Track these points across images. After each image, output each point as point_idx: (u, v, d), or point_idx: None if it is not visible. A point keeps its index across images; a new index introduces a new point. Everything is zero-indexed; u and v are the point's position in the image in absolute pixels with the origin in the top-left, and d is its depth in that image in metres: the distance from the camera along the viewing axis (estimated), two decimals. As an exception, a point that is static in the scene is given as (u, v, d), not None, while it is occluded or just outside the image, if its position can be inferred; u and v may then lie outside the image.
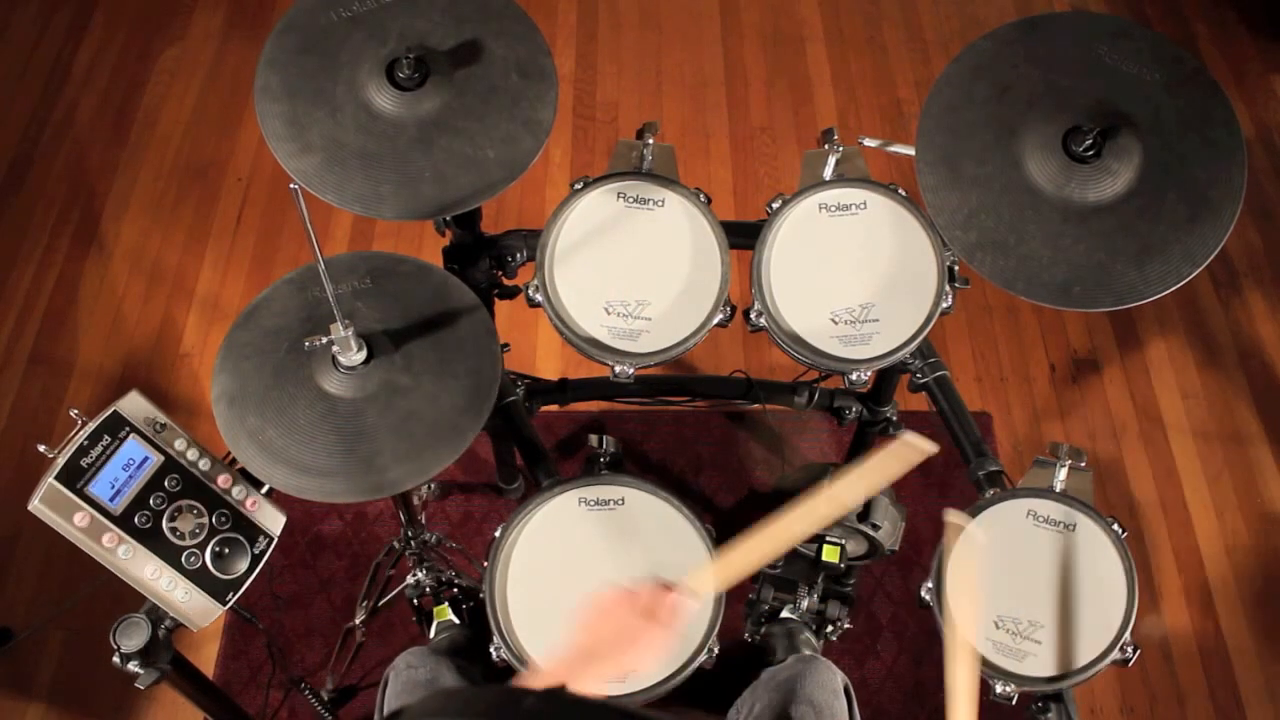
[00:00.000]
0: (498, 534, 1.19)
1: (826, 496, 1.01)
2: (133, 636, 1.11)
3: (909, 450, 0.98)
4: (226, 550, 1.11)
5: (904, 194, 1.30)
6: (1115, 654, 1.11)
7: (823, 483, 1.02)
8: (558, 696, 0.63)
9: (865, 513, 1.48)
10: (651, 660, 0.95)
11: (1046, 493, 1.20)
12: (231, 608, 1.12)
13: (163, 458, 1.10)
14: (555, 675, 0.92)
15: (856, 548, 1.58)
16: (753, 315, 1.26)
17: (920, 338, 1.24)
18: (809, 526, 1.01)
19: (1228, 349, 2.33)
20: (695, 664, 1.12)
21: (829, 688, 1.27)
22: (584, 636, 0.95)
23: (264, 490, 1.16)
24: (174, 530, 1.09)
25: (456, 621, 1.70)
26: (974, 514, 1.20)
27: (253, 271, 2.39)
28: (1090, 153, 1.17)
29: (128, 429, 1.09)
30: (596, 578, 1.17)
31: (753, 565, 1.01)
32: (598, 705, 0.65)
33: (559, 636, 1.12)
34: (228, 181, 2.53)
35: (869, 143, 1.39)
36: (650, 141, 1.31)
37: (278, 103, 1.21)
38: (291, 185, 0.99)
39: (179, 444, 1.12)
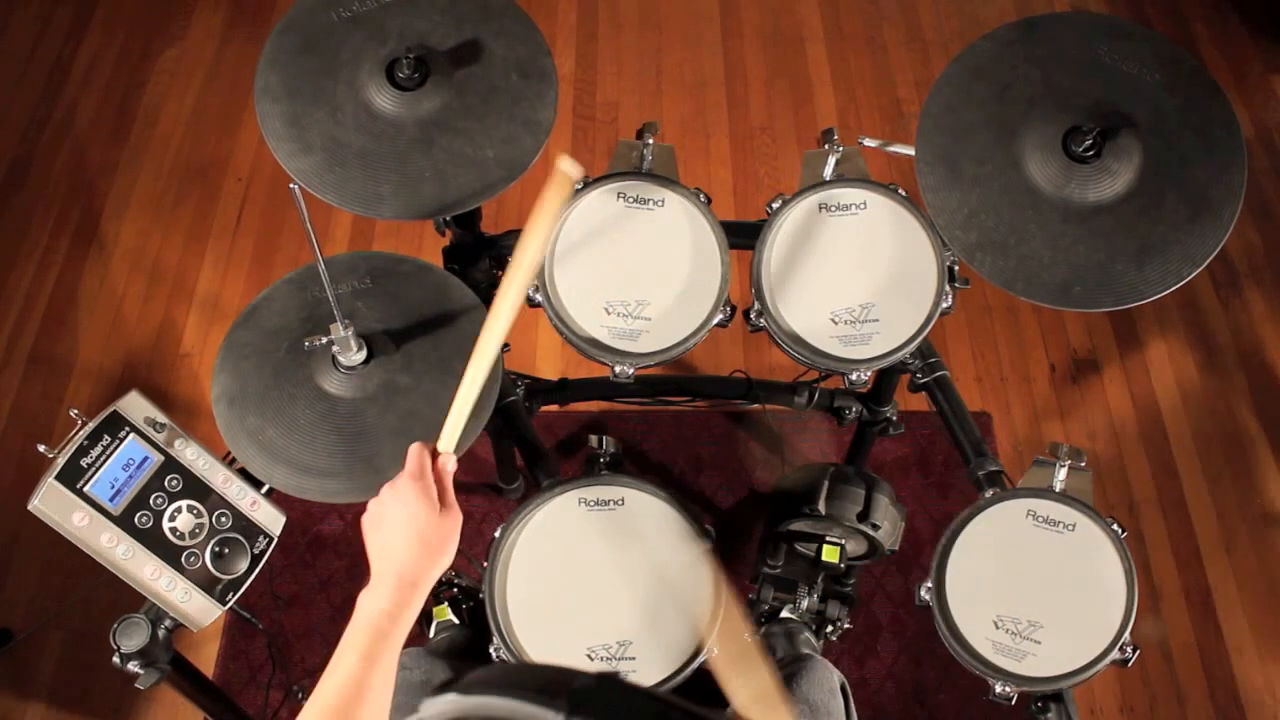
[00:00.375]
0: (498, 534, 1.19)
1: (515, 262, 1.01)
2: (133, 636, 1.11)
3: (563, 178, 0.97)
4: (226, 550, 1.11)
5: (904, 194, 1.30)
6: (1115, 654, 1.11)
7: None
8: (610, 680, 0.63)
9: (865, 513, 1.48)
10: (454, 544, 0.96)
11: (1046, 493, 1.20)
12: (231, 608, 1.12)
13: (163, 458, 1.10)
14: (395, 589, 0.91)
15: (856, 548, 1.58)
16: (753, 315, 1.26)
17: (920, 338, 1.24)
18: (508, 302, 1.03)
19: (1228, 349, 2.33)
20: (695, 664, 1.12)
21: (826, 687, 1.27)
22: (383, 563, 0.94)
23: (264, 490, 1.16)
24: (174, 530, 1.09)
25: (456, 622, 1.69)
26: (974, 514, 1.20)
27: (253, 271, 2.39)
28: (1090, 153, 1.17)
29: (127, 429, 1.09)
30: (596, 578, 1.17)
31: (471, 392, 1.00)
32: (649, 693, 0.65)
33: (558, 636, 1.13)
34: (228, 181, 2.53)
35: (869, 143, 1.39)
36: (650, 141, 1.31)
37: (278, 103, 1.21)
38: (291, 185, 0.99)
39: (179, 444, 1.12)
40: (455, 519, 0.97)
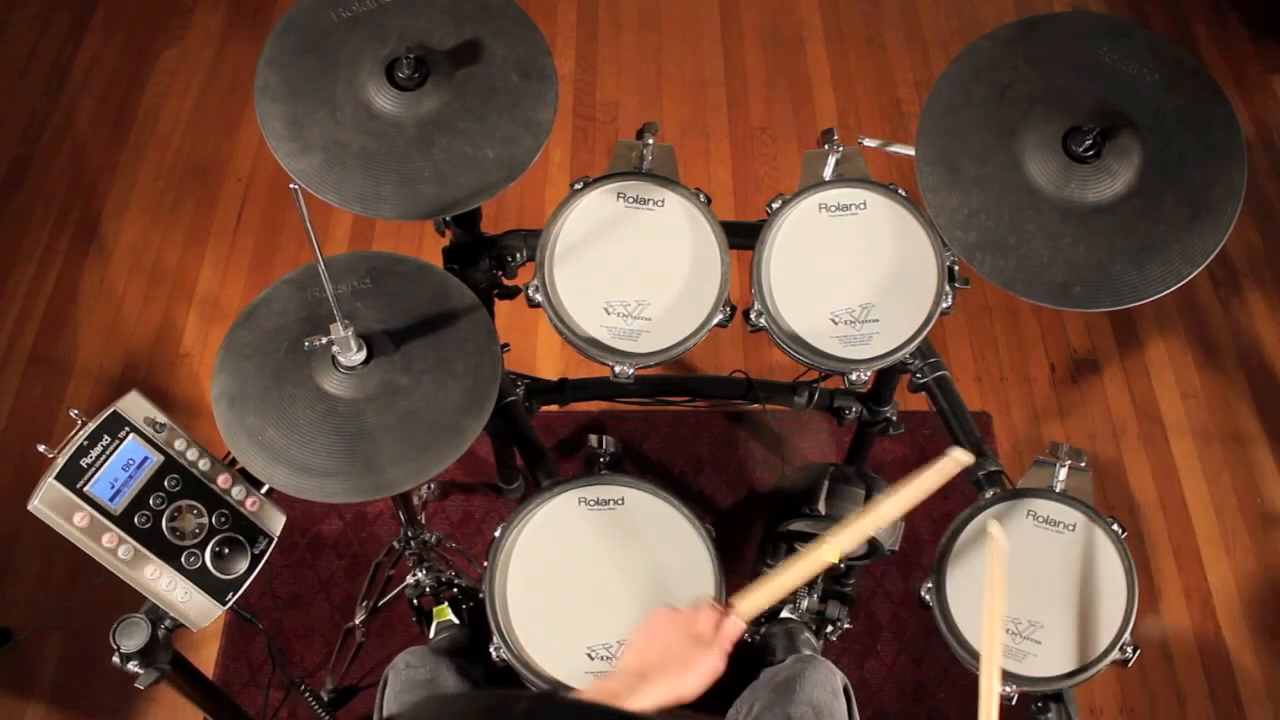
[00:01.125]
0: (498, 534, 1.19)
1: (872, 515, 1.06)
2: (132, 636, 1.11)
3: (951, 465, 1.04)
4: (226, 550, 1.11)
5: (904, 194, 1.30)
6: (1115, 654, 1.11)
7: (867, 504, 1.10)
8: (549, 700, 0.63)
9: (865, 513, 1.48)
10: (701, 684, 0.96)
11: (1046, 493, 1.20)
12: (231, 608, 1.12)
13: (163, 458, 1.10)
14: (604, 694, 0.92)
15: (856, 548, 1.57)
16: (753, 315, 1.26)
17: (920, 338, 1.24)
18: (852, 543, 1.05)
19: (1227, 349, 2.33)
20: (695, 664, 1.12)
21: (828, 688, 1.27)
22: (633, 658, 0.95)
23: (264, 490, 1.16)
24: (174, 530, 1.09)
25: (456, 621, 1.69)
26: (974, 514, 1.20)
27: (253, 271, 2.39)
28: (1090, 153, 1.17)
29: (127, 429, 1.09)
30: (596, 577, 1.17)
31: (796, 584, 1.04)
32: (589, 707, 0.65)
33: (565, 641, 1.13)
34: (228, 181, 2.53)
35: (869, 143, 1.39)
36: (650, 141, 1.31)
37: (278, 103, 1.21)
38: (291, 185, 0.99)
39: (179, 444, 1.12)
40: (714, 665, 0.96)
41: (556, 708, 0.62)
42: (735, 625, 0.99)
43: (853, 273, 1.27)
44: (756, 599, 1.03)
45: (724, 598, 1.01)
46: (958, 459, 1.03)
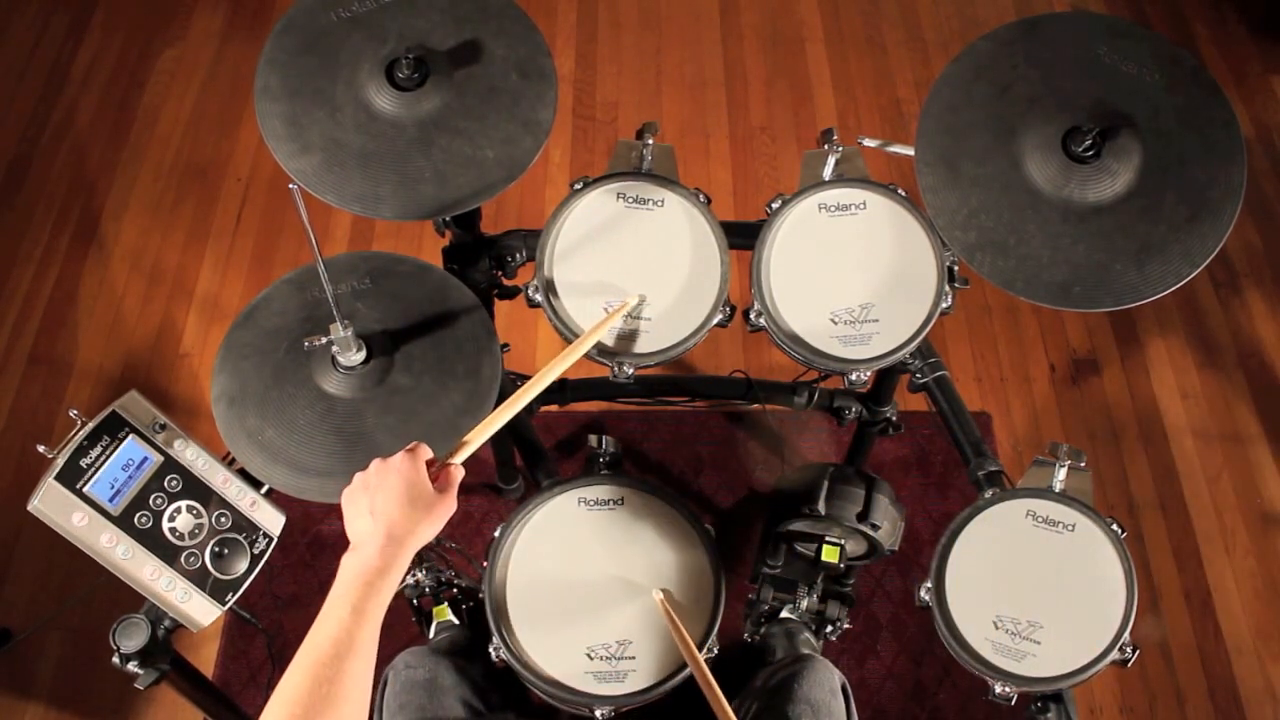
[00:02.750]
0: (497, 534, 1.19)
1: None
2: (132, 637, 1.11)
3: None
4: (226, 550, 1.11)
5: (904, 194, 1.30)
6: (1115, 654, 1.11)
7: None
8: None
9: (865, 513, 1.48)
10: (440, 527, 0.98)
11: (1046, 493, 1.20)
12: (231, 608, 1.12)
13: (162, 458, 1.10)
14: (383, 545, 0.93)
15: (856, 548, 1.58)
16: (752, 315, 1.26)
17: (920, 338, 1.24)
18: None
19: (1227, 349, 2.33)
20: (695, 664, 1.12)
21: (827, 687, 1.27)
22: (375, 523, 0.95)
23: (264, 490, 1.16)
24: (173, 530, 1.09)
25: (456, 622, 1.70)
26: (974, 514, 1.20)
27: (253, 271, 2.39)
28: (1090, 153, 1.17)
29: (127, 429, 1.09)
30: (596, 578, 1.17)
31: (501, 419, 1.04)
32: None
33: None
34: (227, 181, 2.53)
35: (869, 143, 1.39)
36: (650, 141, 1.31)
37: (278, 103, 1.21)
38: (291, 185, 0.99)
39: (178, 444, 1.12)
40: (449, 499, 0.98)
41: None
42: (459, 472, 1.00)
43: (853, 273, 1.27)
44: (472, 436, 1.03)
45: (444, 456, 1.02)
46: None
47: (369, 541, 0.94)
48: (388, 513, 0.95)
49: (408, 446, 0.98)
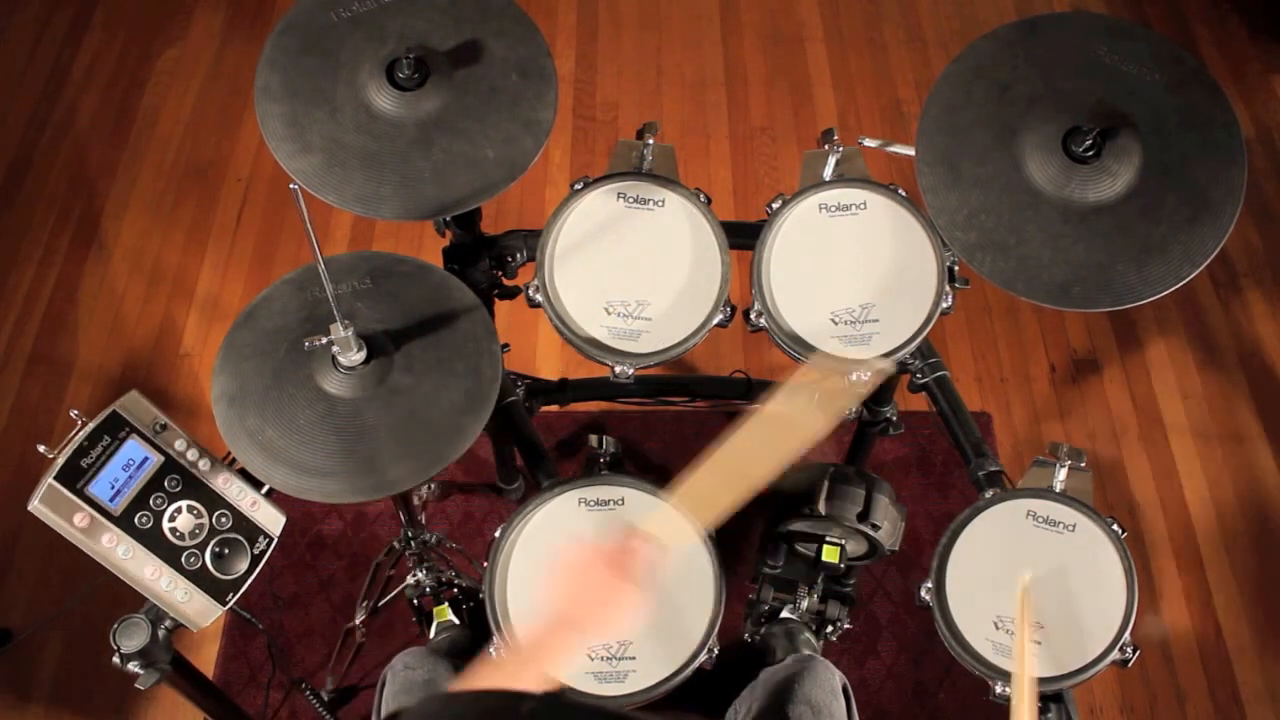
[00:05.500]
0: (498, 534, 1.19)
1: (776, 416, 1.01)
2: (133, 637, 1.11)
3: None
4: (226, 550, 1.11)
5: (904, 194, 1.30)
6: (1115, 654, 1.11)
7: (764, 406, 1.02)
8: (557, 701, 0.63)
9: (865, 513, 1.48)
10: (628, 622, 0.94)
11: (1046, 493, 1.20)
12: (231, 608, 1.12)
13: (163, 458, 1.10)
14: (532, 649, 0.91)
15: (856, 548, 1.57)
16: (753, 315, 1.26)
17: (920, 338, 1.24)
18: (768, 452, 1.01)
19: (1228, 349, 2.33)
20: (695, 664, 1.12)
21: (827, 687, 1.27)
22: (558, 605, 0.94)
23: (264, 490, 1.16)
24: (174, 530, 1.09)
25: (456, 622, 1.70)
26: (974, 514, 1.20)
27: (253, 271, 2.39)
28: (1090, 153, 1.17)
29: (127, 429, 1.09)
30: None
31: (725, 504, 1.00)
32: (595, 709, 0.65)
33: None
34: (228, 181, 2.53)
35: (869, 143, 1.39)
36: (650, 141, 1.31)
37: (278, 103, 1.21)
38: (291, 185, 0.99)
39: (179, 444, 1.12)
40: (637, 599, 0.95)
41: (564, 707, 0.62)
42: (657, 557, 0.97)
43: (853, 273, 1.27)
44: (678, 528, 1.00)
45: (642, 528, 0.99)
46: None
47: (547, 627, 0.94)
48: (575, 601, 0.94)
49: (634, 548, 0.96)
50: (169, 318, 2.32)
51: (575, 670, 1.12)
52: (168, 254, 2.41)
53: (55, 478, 1.05)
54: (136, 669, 1.13)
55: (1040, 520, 1.18)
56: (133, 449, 1.09)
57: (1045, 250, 1.18)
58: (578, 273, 1.27)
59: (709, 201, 1.31)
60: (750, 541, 2.02)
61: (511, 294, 1.53)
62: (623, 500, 1.21)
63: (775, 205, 1.30)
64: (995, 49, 1.25)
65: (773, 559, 1.59)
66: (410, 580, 1.71)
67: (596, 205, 1.30)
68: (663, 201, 1.30)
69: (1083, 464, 1.22)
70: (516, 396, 1.45)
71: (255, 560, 1.13)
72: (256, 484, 1.15)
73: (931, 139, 1.23)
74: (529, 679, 0.89)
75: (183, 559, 1.09)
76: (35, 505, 1.04)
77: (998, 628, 1.13)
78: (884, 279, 1.26)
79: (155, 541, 1.08)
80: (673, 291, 1.26)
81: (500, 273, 1.51)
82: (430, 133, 1.21)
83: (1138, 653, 1.11)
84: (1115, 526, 1.17)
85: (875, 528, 1.48)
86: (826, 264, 1.28)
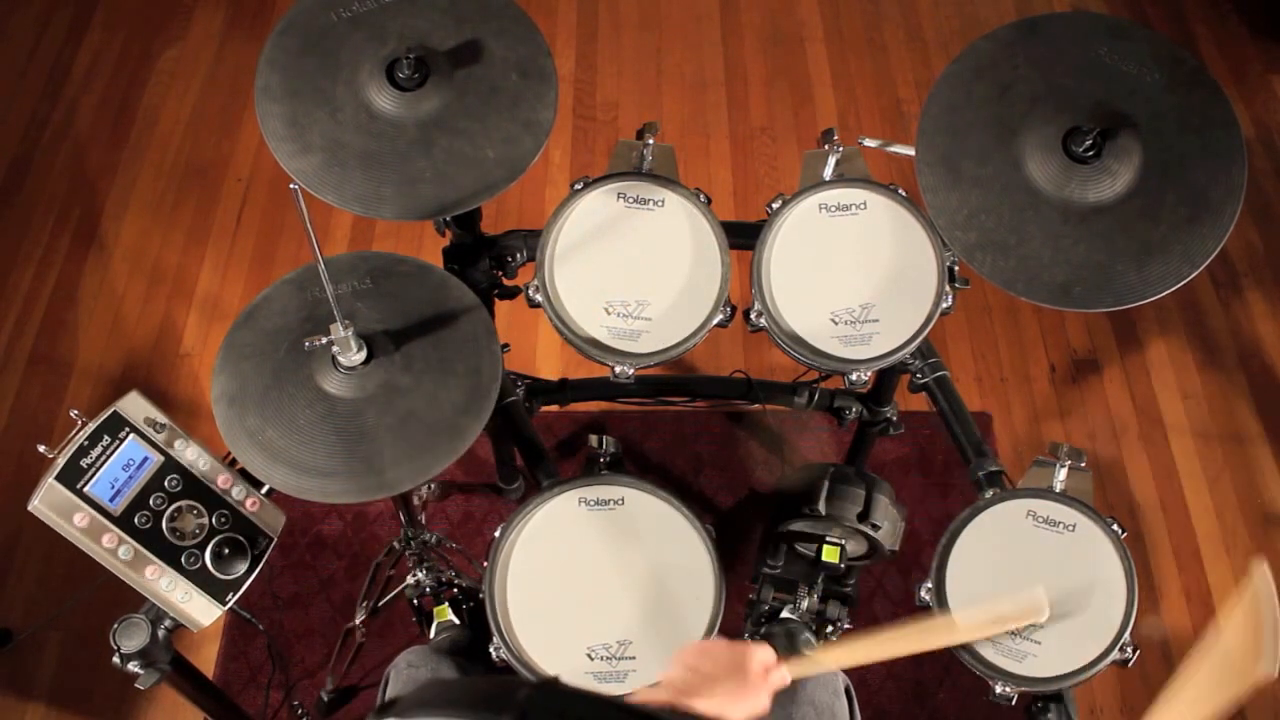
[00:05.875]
0: (498, 534, 1.19)
1: (947, 627, 1.07)
2: (133, 637, 1.11)
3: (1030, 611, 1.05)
4: (226, 550, 1.11)
5: (904, 194, 1.30)
6: (1115, 654, 1.11)
7: (949, 618, 1.09)
8: (553, 687, 0.63)
9: (865, 513, 1.48)
10: (740, 715, 0.96)
11: (1046, 493, 1.20)
12: (231, 608, 1.12)
13: (163, 458, 1.10)
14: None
15: (856, 548, 1.57)
16: (753, 315, 1.26)
17: (920, 338, 1.24)
18: (913, 648, 1.04)
19: (1228, 349, 2.33)
20: (695, 664, 1.12)
21: (830, 688, 1.27)
22: (679, 674, 0.96)
23: (264, 490, 1.16)
24: (174, 530, 1.09)
25: (456, 622, 1.70)
26: (974, 514, 1.20)
27: (253, 271, 2.39)
28: (1090, 153, 1.17)
29: (128, 429, 1.09)
30: (596, 578, 1.17)
31: (851, 661, 1.04)
32: (592, 697, 0.65)
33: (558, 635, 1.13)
34: (228, 181, 2.53)
35: (869, 143, 1.39)
36: (650, 141, 1.31)
37: (278, 103, 1.21)
38: (291, 185, 0.99)
39: (179, 444, 1.12)
40: (760, 692, 0.96)
41: (559, 695, 0.62)
42: (783, 676, 0.99)
43: (853, 273, 1.27)
44: (815, 662, 1.04)
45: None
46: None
47: (663, 691, 0.94)
48: (705, 675, 0.95)
49: (764, 656, 0.98)
50: (169, 318, 2.32)
51: (575, 670, 1.12)
52: (168, 254, 2.41)
53: (55, 478, 1.05)
54: (136, 669, 1.13)
55: (1040, 520, 1.18)
56: (133, 449, 1.09)
57: (1045, 250, 1.18)
58: (578, 273, 1.27)
59: (709, 201, 1.31)
60: (750, 541, 2.02)
61: (511, 294, 1.53)
62: (623, 500, 1.21)
63: (775, 205, 1.30)
64: (995, 49, 1.25)
65: (773, 559, 1.58)
66: (410, 580, 1.71)
67: (596, 205, 1.30)
68: (663, 201, 1.30)
69: (1083, 464, 1.22)
70: (516, 396, 1.45)
71: (255, 560, 1.13)
72: (256, 484, 1.15)
73: (931, 139, 1.23)
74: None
75: (183, 559, 1.09)
76: (35, 505, 1.04)
77: (998, 628, 1.13)
78: (884, 279, 1.26)
79: (155, 541, 1.08)
80: (673, 291, 1.26)
81: (500, 273, 1.51)
82: (430, 133, 1.21)
83: (1138, 653, 1.11)
84: (1115, 526, 1.17)
85: (875, 528, 1.47)
86: (826, 264, 1.28)
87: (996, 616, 1.08)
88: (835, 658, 1.04)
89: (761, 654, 0.97)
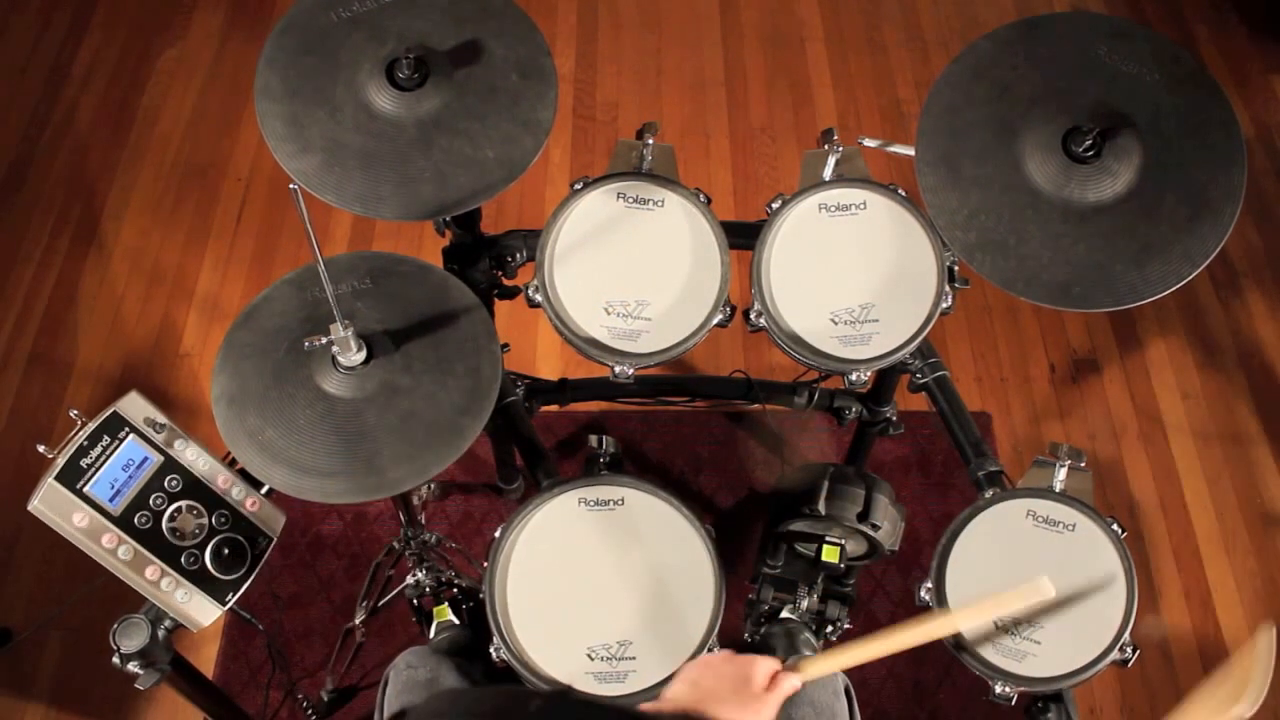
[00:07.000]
0: (498, 534, 1.19)
1: (943, 620, 1.07)
2: (133, 637, 1.11)
3: (1032, 591, 1.04)
4: (226, 550, 1.11)
5: (904, 194, 1.30)
6: (1115, 654, 1.11)
7: (944, 609, 1.10)
8: (564, 698, 0.63)
9: (865, 513, 1.48)
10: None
11: (1046, 493, 1.20)
12: (231, 608, 1.12)
13: (162, 458, 1.10)
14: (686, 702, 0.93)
15: (856, 548, 1.57)
16: (753, 315, 1.26)
17: (920, 338, 1.24)
18: (917, 639, 1.05)
19: (1228, 349, 2.33)
20: (695, 664, 1.12)
21: (830, 688, 1.27)
22: (683, 689, 0.96)
23: (264, 490, 1.16)
24: (174, 530, 1.09)
25: (456, 622, 1.70)
26: (974, 514, 1.20)
27: (253, 271, 2.39)
28: (1090, 153, 1.17)
29: (127, 429, 1.09)
30: (596, 578, 1.17)
31: (857, 660, 1.04)
32: (603, 707, 0.65)
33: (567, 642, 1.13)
34: (228, 181, 2.53)
35: (869, 143, 1.39)
36: (650, 142, 1.31)
37: (278, 103, 1.21)
38: (291, 185, 0.99)
39: (179, 444, 1.12)
40: (770, 705, 0.96)
41: (571, 705, 0.62)
42: (791, 683, 0.98)
43: (853, 273, 1.27)
44: (819, 665, 1.03)
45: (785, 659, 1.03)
46: (1041, 588, 1.04)
47: (671, 705, 0.95)
48: (708, 689, 0.95)
49: (769, 665, 0.99)
50: (169, 318, 2.32)
51: (576, 670, 1.12)
52: (168, 254, 2.41)
53: (55, 478, 1.05)
54: (136, 669, 1.13)
55: (1040, 520, 1.18)
56: (132, 449, 1.09)
57: (1045, 250, 1.18)
58: (577, 273, 1.27)
59: (709, 201, 1.31)
60: (750, 541, 2.02)
61: (511, 294, 1.53)
62: (622, 500, 1.21)
63: (775, 205, 1.30)
64: (995, 49, 1.25)
65: (773, 559, 1.58)
66: (410, 580, 1.71)
67: (596, 205, 1.30)
68: (662, 201, 1.30)
69: (1082, 464, 1.21)
70: (516, 396, 1.45)
71: (255, 560, 1.13)
72: (256, 484, 1.15)
73: (931, 139, 1.23)
74: None
75: (183, 559, 1.09)
76: (35, 505, 1.04)
77: (998, 628, 1.13)
78: (884, 279, 1.26)
79: (155, 541, 1.08)
80: (672, 291, 1.26)
81: (500, 273, 1.51)
82: (430, 133, 1.21)
83: (1138, 653, 1.11)
84: (1115, 526, 1.17)
85: (875, 528, 1.47)
86: (826, 264, 1.28)
87: (1001, 599, 1.07)
88: (841, 660, 1.04)
89: (765, 665, 0.97)
